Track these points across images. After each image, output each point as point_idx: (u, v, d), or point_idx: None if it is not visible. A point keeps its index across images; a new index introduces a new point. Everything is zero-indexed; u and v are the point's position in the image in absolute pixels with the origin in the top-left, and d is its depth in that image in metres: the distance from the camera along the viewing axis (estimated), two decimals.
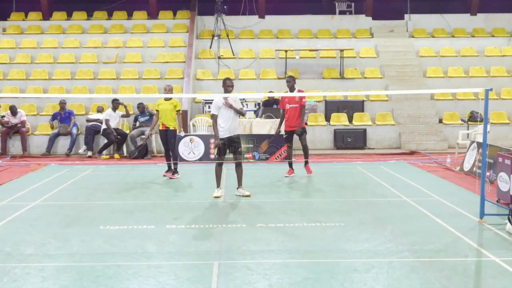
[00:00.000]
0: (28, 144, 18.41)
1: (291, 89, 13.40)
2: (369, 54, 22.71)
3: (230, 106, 10.95)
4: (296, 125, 13.35)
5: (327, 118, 19.51)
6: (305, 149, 13.56)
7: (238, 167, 11.16)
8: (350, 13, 25.28)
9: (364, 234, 8.32)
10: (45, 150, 18.05)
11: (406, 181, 12.89)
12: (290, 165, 13.69)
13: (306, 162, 13.63)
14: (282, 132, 13.89)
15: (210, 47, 22.62)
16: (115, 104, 17.62)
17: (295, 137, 13.66)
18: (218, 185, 11.16)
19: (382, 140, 19.23)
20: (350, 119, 19.49)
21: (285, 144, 16.12)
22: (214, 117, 11.14)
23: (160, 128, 13.49)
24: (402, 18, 24.74)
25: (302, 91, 14.00)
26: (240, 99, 17.15)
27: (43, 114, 19.58)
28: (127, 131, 18.11)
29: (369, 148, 18.91)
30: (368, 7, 24.67)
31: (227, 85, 11.15)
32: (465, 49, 22.94)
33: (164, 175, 13.63)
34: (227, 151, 11.25)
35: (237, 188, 11.26)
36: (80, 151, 18.03)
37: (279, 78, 21.49)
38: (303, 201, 11.00)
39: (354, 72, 21.69)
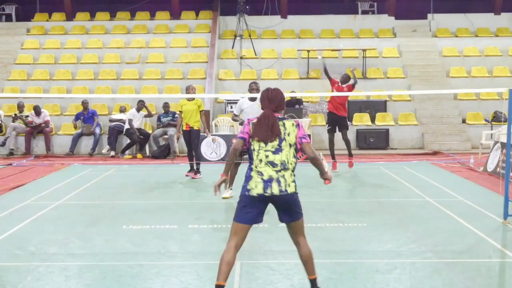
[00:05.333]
0: (52, 144, 18.58)
1: (344, 82, 14.15)
2: (391, 54, 22.61)
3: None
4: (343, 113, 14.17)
5: (350, 118, 19.42)
6: (348, 143, 14.39)
7: None
8: (373, 12, 25.22)
9: (387, 234, 8.28)
10: (68, 150, 18.19)
11: (429, 181, 12.80)
12: (333, 157, 14.27)
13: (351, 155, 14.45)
14: None
15: (233, 47, 22.66)
16: (140, 105, 17.71)
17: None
18: (230, 185, 10.85)
19: (404, 140, 19.12)
20: (373, 119, 19.40)
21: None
22: (234, 117, 11.21)
23: (184, 128, 13.46)
24: (425, 18, 24.60)
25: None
26: None
27: (67, 114, 19.76)
28: (150, 131, 18.20)
29: (392, 148, 18.81)
30: (391, 7, 24.57)
31: (251, 88, 11.29)
32: (489, 48, 22.73)
33: (187, 175, 13.67)
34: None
35: None
36: (103, 151, 18.16)
37: (301, 78, 21.49)
38: (325, 201, 10.95)
39: (377, 72, 21.60)
